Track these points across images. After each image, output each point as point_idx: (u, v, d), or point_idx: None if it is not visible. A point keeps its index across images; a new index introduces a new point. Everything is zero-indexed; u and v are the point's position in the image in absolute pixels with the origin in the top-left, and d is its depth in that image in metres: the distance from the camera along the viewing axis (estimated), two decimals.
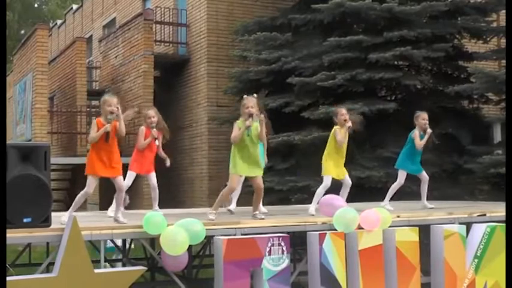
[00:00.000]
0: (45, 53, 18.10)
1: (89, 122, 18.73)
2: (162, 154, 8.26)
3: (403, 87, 13.70)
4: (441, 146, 13.25)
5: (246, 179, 7.85)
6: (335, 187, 8.32)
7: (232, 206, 8.42)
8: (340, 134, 8.10)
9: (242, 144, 7.25)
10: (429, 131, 8.99)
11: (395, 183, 9.10)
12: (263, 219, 7.26)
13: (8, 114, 23.30)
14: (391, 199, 9.11)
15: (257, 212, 7.45)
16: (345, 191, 8.31)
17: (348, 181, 8.31)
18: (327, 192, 7.98)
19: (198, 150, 16.51)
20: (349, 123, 8.13)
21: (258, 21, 15.06)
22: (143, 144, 7.99)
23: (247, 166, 7.29)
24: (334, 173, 8.14)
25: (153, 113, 8.13)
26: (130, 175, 7.99)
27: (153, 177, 8.13)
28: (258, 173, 7.35)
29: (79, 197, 6.61)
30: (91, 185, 6.61)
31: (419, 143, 9.00)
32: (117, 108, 6.62)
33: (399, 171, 9.15)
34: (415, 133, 9.06)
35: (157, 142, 8.05)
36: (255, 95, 8.44)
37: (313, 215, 7.79)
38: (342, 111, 8.27)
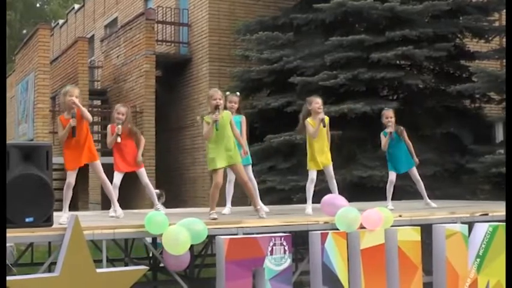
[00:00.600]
0: (47, 53, 18.11)
1: (90, 122, 18.72)
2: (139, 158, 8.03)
3: (405, 87, 13.69)
4: (443, 145, 13.31)
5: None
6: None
7: (226, 210, 8.34)
8: (311, 127, 8.11)
9: (214, 138, 7.23)
10: (388, 130, 8.91)
11: (388, 183, 9.07)
12: (264, 217, 7.27)
13: (10, 114, 23.35)
14: (392, 198, 9.10)
15: (259, 207, 7.45)
16: (332, 183, 8.28)
17: (329, 172, 8.27)
18: (326, 191, 7.99)
19: (199, 150, 16.50)
20: (322, 115, 8.10)
21: (260, 20, 15.06)
22: (110, 143, 7.87)
23: (223, 157, 7.25)
24: (314, 165, 8.16)
25: (122, 110, 7.91)
26: (116, 174, 7.96)
27: (141, 175, 8.02)
28: (234, 161, 7.32)
29: (64, 191, 6.74)
30: (70, 176, 6.75)
31: (382, 144, 9.01)
32: (76, 97, 6.68)
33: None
34: (381, 134, 9.07)
35: (119, 139, 7.78)
36: (237, 93, 8.47)
37: (310, 214, 7.79)
38: (317, 100, 8.22)
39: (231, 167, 7.44)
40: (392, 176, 8.99)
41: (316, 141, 8.19)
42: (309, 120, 8.24)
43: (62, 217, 6.49)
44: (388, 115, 9.00)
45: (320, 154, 8.19)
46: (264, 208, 7.87)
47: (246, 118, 8.40)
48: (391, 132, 8.88)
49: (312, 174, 8.15)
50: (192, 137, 16.92)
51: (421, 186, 9.26)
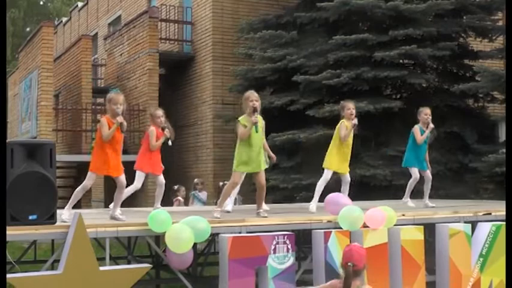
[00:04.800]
0: (50, 51, 18.11)
1: (94, 119, 18.76)
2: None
3: (408, 86, 13.69)
4: (446, 144, 13.28)
5: (248, 176, 7.80)
6: (339, 184, 8.34)
7: (230, 207, 8.34)
8: (345, 129, 8.11)
9: (249, 141, 7.17)
10: (431, 125, 9.03)
11: (411, 179, 9.15)
12: (266, 217, 7.26)
13: (13, 112, 23.37)
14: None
15: (261, 210, 7.44)
16: (345, 188, 8.31)
17: (347, 178, 8.31)
18: (330, 189, 7.98)
19: (203, 148, 16.52)
20: (355, 120, 8.14)
21: (263, 19, 15.06)
22: (156, 146, 7.88)
23: (254, 162, 7.22)
24: (336, 166, 8.16)
25: (161, 113, 8.04)
26: (141, 175, 7.95)
27: (161, 175, 8.12)
28: (262, 167, 7.29)
29: (77, 191, 6.67)
30: (91, 179, 6.67)
31: (420, 138, 9.03)
32: (121, 104, 6.66)
33: (409, 169, 9.16)
34: (415, 128, 9.12)
35: (170, 143, 7.93)
36: (253, 91, 8.45)
37: (313, 212, 7.79)
38: (349, 105, 8.29)
39: (255, 174, 7.38)
40: (416, 173, 9.08)
41: (345, 145, 8.22)
42: (343, 121, 8.25)
43: (65, 214, 6.46)
44: (428, 112, 9.17)
45: (345, 160, 8.25)
46: (264, 207, 7.83)
47: None
48: (432, 128, 9.03)
49: (328, 174, 8.14)
50: (195, 135, 16.93)
51: (429, 186, 9.30)
